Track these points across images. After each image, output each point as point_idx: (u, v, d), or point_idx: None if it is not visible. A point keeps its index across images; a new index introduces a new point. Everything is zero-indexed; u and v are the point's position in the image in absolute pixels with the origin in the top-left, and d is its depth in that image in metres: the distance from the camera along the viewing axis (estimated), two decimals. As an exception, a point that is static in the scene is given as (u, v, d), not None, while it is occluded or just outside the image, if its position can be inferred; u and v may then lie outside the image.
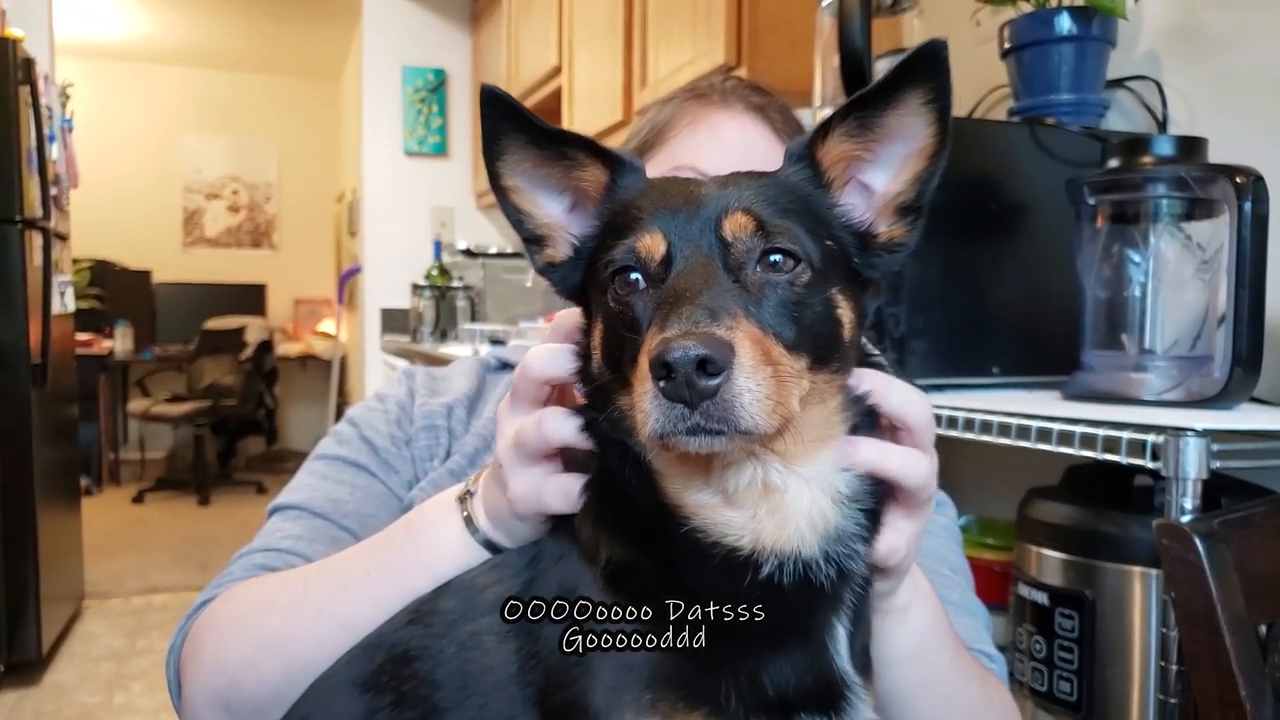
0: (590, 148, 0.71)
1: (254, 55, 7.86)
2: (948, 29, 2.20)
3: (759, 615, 0.64)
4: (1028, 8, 1.77)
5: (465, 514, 0.81)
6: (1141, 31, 1.81)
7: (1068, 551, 1.31)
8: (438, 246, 4.73)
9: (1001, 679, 0.98)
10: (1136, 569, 1.26)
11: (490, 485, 0.79)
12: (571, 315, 0.76)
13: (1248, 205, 1.26)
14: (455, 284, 4.55)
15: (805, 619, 0.65)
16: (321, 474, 1.07)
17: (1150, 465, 1.10)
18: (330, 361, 7.86)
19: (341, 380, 6.45)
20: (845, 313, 0.67)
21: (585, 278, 0.72)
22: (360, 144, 5.28)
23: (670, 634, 0.63)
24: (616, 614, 0.64)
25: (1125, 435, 1.13)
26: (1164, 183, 1.37)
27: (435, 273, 4.61)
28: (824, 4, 1.92)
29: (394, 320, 5.02)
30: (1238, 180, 1.27)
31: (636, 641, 0.63)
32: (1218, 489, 1.16)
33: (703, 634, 0.63)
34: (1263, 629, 1.04)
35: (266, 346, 7.47)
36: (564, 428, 0.72)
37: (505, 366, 1.23)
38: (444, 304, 4.51)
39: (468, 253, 4.66)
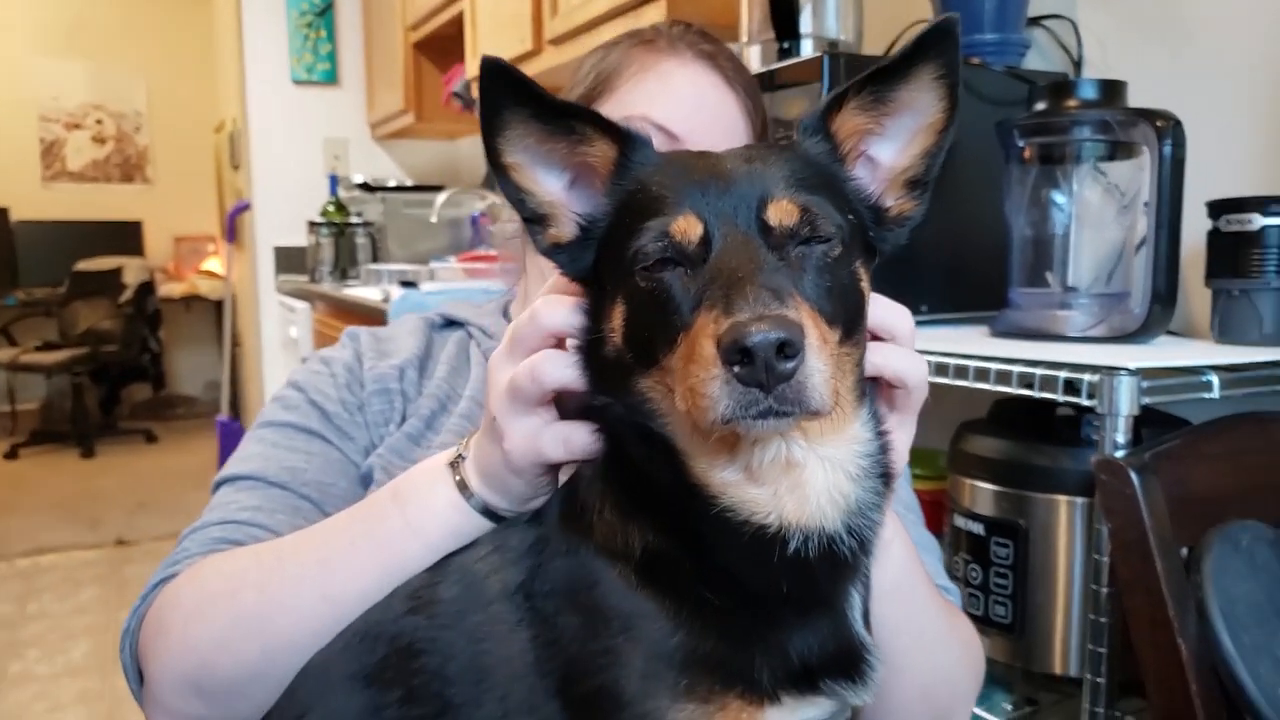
0: (598, 122, 0.68)
1: (113, -28, 7.28)
2: (868, -36, 2.19)
3: (787, 590, 0.65)
4: (951, -55, 1.77)
5: (458, 478, 0.79)
6: (1057, -29, 1.84)
7: (1001, 484, 1.38)
8: (334, 181, 4.53)
9: (957, 606, 1.03)
10: (1063, 498, 1.33)
11: (483, 441, 0.77)
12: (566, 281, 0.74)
13: (1167, 148, 1.32)
14: (354, 220, 4.39)
15: (829, 590, 0.67)
16: (272, 442, 1.03)
17: (1085, 403, 1.16)
18: (217, 302, 7.55)
19: (232, 322, 6.17)
20: (865, 285, 0.68)
21: (600, 257, 0.69)
22: (242, 71, 4.97)
23: (702, 622, 0.64)
24: (645, 608, 0.64)
25: (1061, 374, 1.19)
26: (1089, 126, 1.42)
27: (332, 209, 4.43)
28: (749, -64, 1.88)
29: (289, 259, 4.82)
30: (1158, 124, 1.33)
31: (669, 632, 0.63)
32: (1136, 421, 1.23)
33: (735, 617, 0.64)
34: (1184, 551, 1.12)
35: (148, 288, 7.09)
36: (560, 371, 0.70)
37: (450, 324, 1.20)
38: (343, 241, 4.35)
39: (365, 187, 4.49)
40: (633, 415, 0.66)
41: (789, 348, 0.53)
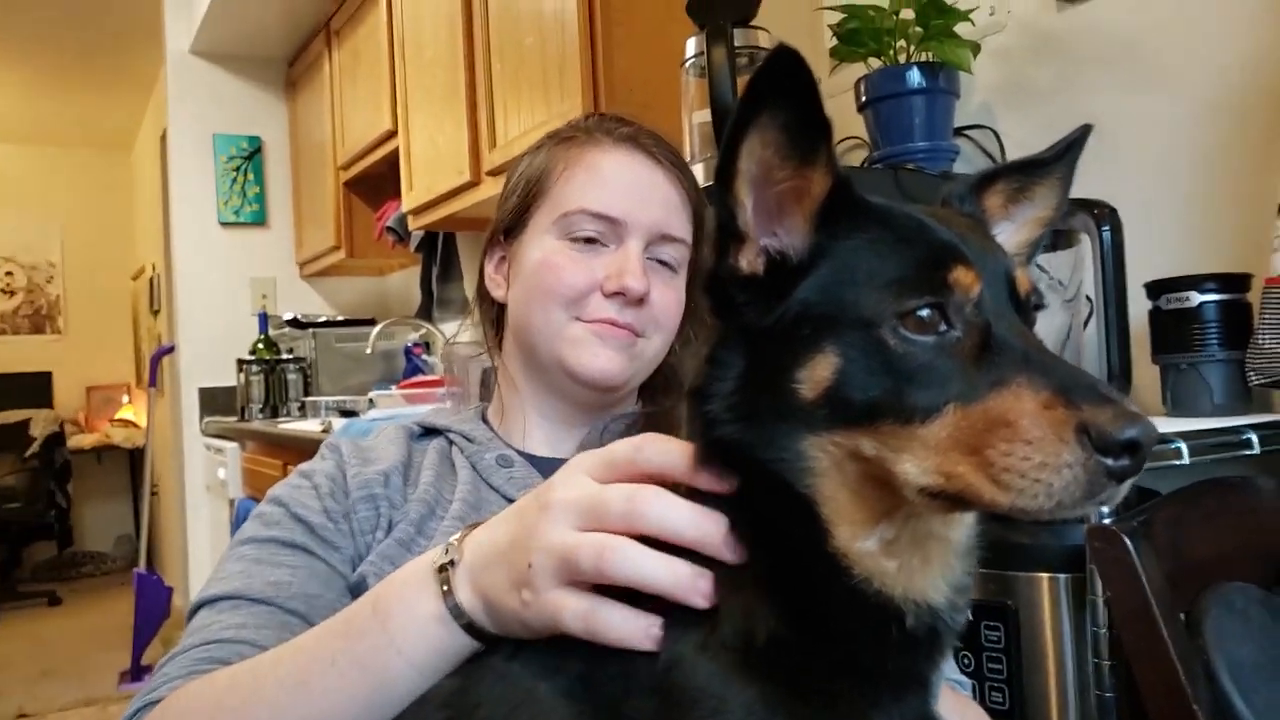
0: (832, 149, 0.61)
1: (29, 126, 7.23)
2: (797, 86, 2.33)
3: (891, 669, 0.61)
4: (877, 64, 1.90)
5: (445, 588, 0.71)
6: (976, 85, 1.98)
7: (985, 565, 1.37)
8: (263, 318, 4.47)
9: (971, 699, 1.01)
10: (1046, 576, 1.34)
11: (497, 567, 0.68)
12: (657, 444, 0.67)
13: (1107, 234, 1.40)
14: (284, 356, 4.32)
15: (925, 668, 0.64)
16: (254, 559, 0.97)
17: (1067, 474, 1.18)
18: (131, 451, 7.25)
19: (151, 469, 5.91)
20: None
21: (801, 300, 0.61)
22: (167, 217, 4.94)
23: (800, 702, 0.59)
24: (737, 687, 0.59)
25: (1039, 449, 1.21)
26: (1030, 217, 1.50)
27: (261, 346, 4.36)
28: (686, 64, 1.99)
29: (214, 400, 4.68)
30: (1096, 212, 1.41)
31: (764, 714, 0.58)
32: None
33: (836, 697, 0.60)
34: (1181, 617, 1.12)
35: (57, 439, 6.78)
36: (628, 568, 0.61)
37: (428, 433, 1.16)
38: (274, 378, 4.26)
39: (295, 323, 4.44)
40: (779, 472, 0.60)
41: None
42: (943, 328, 0.57)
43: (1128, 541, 1.06)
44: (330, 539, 0.99)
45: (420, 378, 3.61)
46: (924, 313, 0.56)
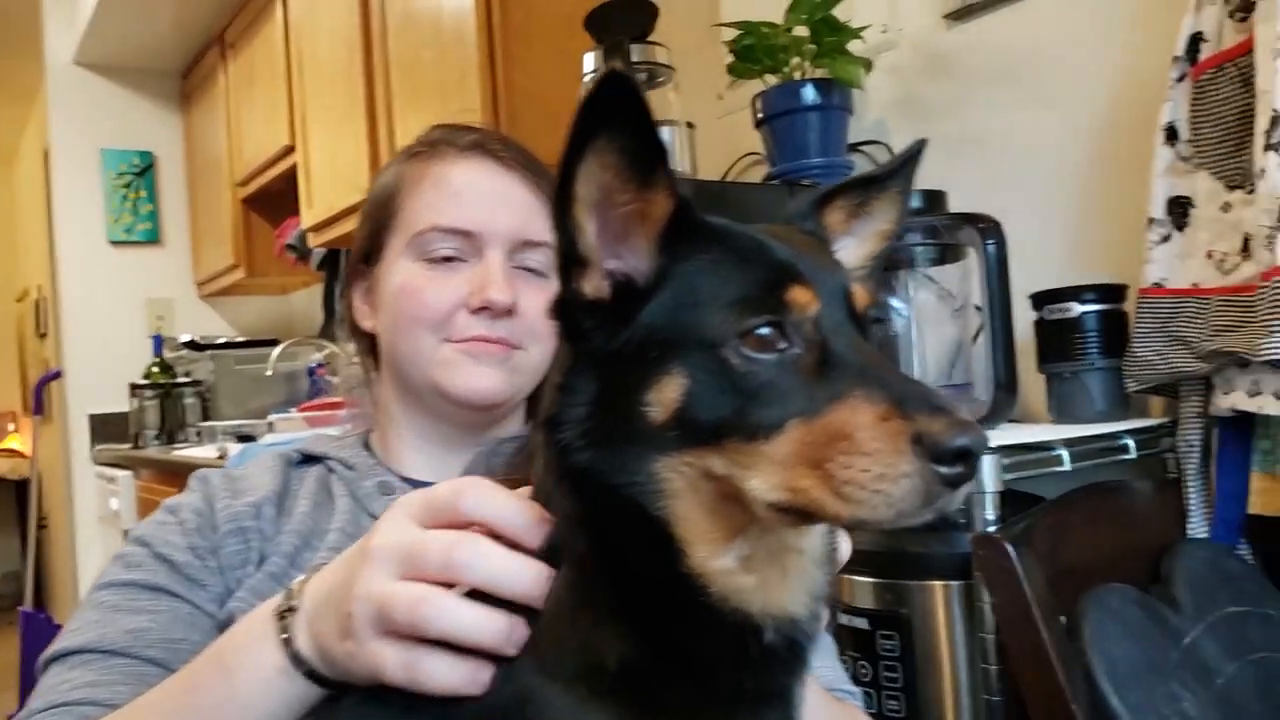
0: (670, 171, 0.60)
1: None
2: (697, 103, 2.35)
3: (748, 686, 0.60)
4: (774, 80, 1.93)
5: (284, 635, 0.67)
6: (870, 102, 2.02)
7: (879, 575, 1.39)
8: (158, 341, 4.30)
9: (860, 709, 1.01)
10: (938, 583, 1.36)
11: (326, 615, 0.65)
12: (476, 492, 0.64)
13: (991, 247, 1.44)
14: (181, 380, 4.16)
15: (785, 681, 0.63)
16: (112, 605, 0.90)
17: (954, 483, 1.20)
18: (17, 483, 6.89)
19: (39, 501, 5.61)
20: None
21: (646, 323, 0.60)
22: (52, 236, 4.71)
23: None
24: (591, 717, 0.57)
25: (927, 459, 1.23)
26: (918, 231, 1.53)
27: (156, 370, 4.19)
28: (586, 79, 1.98)
29: (106, 427, 4.47)
30: (981, 226, 1.45)
31: None
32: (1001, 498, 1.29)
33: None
34: (1062, 620, 1.15)
35: (-65, 472, 6.40)
36: (445, 623, 0.59)
37: (308, 460, 1.11)
38: (169, 403, 4.09)
39: (193, 345, 4.28)
40: (630, 494, 0.59)
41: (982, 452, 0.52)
42: (783, 345, 0.57)
43: (1009, 549, 1.09)
44: (196, 577, 0.94)
45: (323, 399, 3.52)
46: (764, 331, 0.56)
